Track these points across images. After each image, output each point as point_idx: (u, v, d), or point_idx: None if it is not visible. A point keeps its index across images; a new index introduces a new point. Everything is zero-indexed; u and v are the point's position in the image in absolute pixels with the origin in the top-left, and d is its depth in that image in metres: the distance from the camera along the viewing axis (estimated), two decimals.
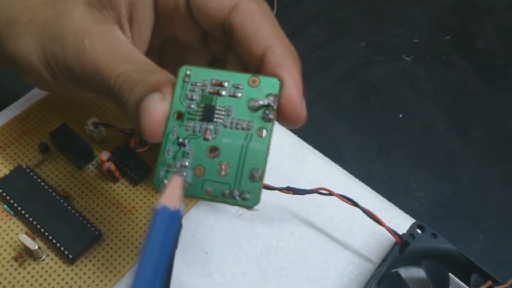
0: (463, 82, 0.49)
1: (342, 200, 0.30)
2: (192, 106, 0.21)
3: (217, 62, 0.28)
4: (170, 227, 0.18)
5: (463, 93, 0.48)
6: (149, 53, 0.27)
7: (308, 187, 0.31)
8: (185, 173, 0.21)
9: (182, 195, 0.20)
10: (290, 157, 0.36)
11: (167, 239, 0.18)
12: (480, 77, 0.49)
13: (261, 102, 0.21)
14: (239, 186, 0.20)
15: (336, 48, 0.51)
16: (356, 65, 0.50)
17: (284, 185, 0.32)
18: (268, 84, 0.21)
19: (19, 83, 0.31)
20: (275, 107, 0.21)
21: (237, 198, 0.20)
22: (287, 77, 0.21)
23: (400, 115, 0.46)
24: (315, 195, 0.31)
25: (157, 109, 0.21)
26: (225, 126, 0.21)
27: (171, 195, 0.19)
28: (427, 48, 0.52)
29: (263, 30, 0.23)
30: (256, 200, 0.20)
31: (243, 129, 0.21)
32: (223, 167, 0.21)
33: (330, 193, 0.30)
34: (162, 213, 0.19)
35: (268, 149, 0.21)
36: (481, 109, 0.47)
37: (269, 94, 0.21)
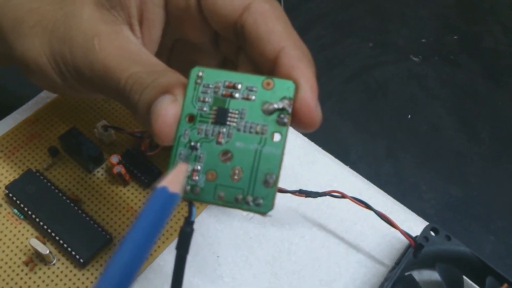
0: (471, 82, 0.49)
1: (355, 202, 0.30)
2: (205, 109, 0.21)
3: (228, 64, 0.28)
4: (165, 208, 0.18)
5: (471, 94, 0.48)
6: (159, 54, 0.26)
7: (319, 190, 0.31)
8: (197, 168, 0.20)
9: (184, 182, 0.20)
10: (300, 159, 0.36)
11: (160, 219, 0.18)
12: (488, 77, 0.49)
13: (275, 106, 0.20)
14: (253, 192, 0.20)
15: (343, 49, 0.51)
16: (363, 65, 0.49)
17: (295, 188, 0.31)
18: (283, 87, 0.20)
19: (27, 86, 0.31)
20: (290, 110, 0.20)
21: (251, 204, 0.20)
22: (302, 80, 0.21)
23: (409, 116, 0.46)
24: (326, 197, 0.31)
25: (168, 111, 0.20)
26: (238, 130, 0.20)
27: (173, 179, 0.19)
28: (434, 48, 0.51)
29: (276, 31, 0.22)
30: (270, 206, 0.20)
31: (257, 133, 0.20)
32: (236, 171, 0.20)
33: (343, 196, 0.30)
34: (161, 193, 0.18)
35: (282, 153, 0.20)
36: (489, 110, 0.47)
37: (284, 97, 0.20)
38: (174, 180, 0.19)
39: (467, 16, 0.55)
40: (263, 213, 0.20)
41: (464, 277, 0.30)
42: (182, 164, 0.20)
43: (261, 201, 0.20)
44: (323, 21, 0.53)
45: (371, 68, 0.49)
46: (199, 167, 0.20)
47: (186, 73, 0.21)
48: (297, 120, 0.21)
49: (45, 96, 0.36)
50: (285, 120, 0.20)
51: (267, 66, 0.22)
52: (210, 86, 0.21)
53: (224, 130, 0.20)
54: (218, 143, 0.20)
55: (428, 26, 0.53)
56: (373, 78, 0.48)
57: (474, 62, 0.50)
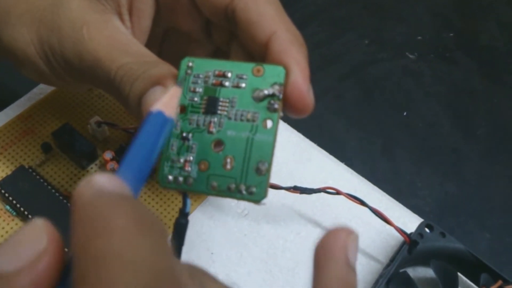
0: (467, 79, 0.49)
1: (349, 199, 0.30)
2: (195, 99, 0.21)
3: (220, 53, 0.27)
4: (161, 132, 0.18)
5: (467, 91, 0.48)
6: (149, 45, 0.26)
7: (314, 186, 0.31)
8: (189, 159, 0.20)
9: (178, 105, 0.20)
10: (295, 156, 0.35)
11: (156, 142, 0.18)
12: (484, 74, 0.49)
13: (265, 92, 0.20)
14: (246, 180, 0.20)
15: (339, 46, 0.51)
16: (359, 62, 0.49)
17: (290, 185, 0.31)
18: (273, 73, 0.20)
19: (21, 82, 0.30)
20: (280, 96, 0.20)
21: (244, 192, 0.20)
22: (292, 64, 0.21)
23: (405, 113, 0.46)
24: (321, 194, 0.31)
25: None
26: (229, 118, 0.20)
27: (168, 102, 0.19)
28: (430, 45, 0.51)
29: (267, 15, 0.22)
30: (263, 194, 0.20)
31: (248, 120, 0.20)
32: (228, 160, 0.20)
33: (338, 192, 0.30)
34: (157, 117, 0.18)
35: (274, 140, 0.20)
36: (485, 107, 0.47)
37: (274, 83, 0.20)
38: (168, 104, 0.19)
39: (463, 14, 0.55)
40: (257, 201, 0.20)
41: (459, 273, 0.30)
42: (176, 88, 0.20)
43: (254, 189, 0.20)
44: (319, 17, 0.53)
45: (367, 65, 0.49)
46: (191, 158, 0.20)
47: (178, 64, 0.21)
48: (289, 105, 0.21)
49: (38, 92, 0.36)
50: (276, 106, 0.20)
51: (259, 52, 0.22)
52: (201, 76, 0.21)
53: (215, 119, 0.20)
54: (210, 132, 0.20)
55: (424, 24, 0.53)
56: (369, 75, 0.48)
57: (470, 59, 0.50)
